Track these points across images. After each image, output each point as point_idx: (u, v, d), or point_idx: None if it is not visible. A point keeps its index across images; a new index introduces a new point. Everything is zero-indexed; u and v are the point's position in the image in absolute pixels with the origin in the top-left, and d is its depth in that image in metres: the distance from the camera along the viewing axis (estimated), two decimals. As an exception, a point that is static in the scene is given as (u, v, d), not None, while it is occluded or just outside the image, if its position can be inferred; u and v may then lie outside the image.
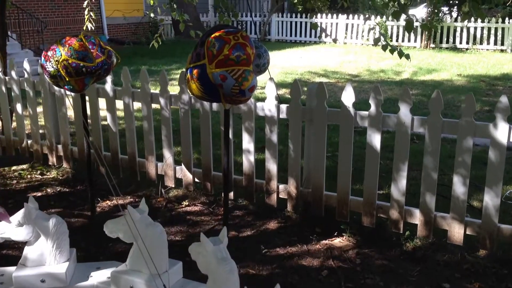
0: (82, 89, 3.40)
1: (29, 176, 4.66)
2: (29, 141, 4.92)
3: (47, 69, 3.27)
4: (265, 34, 18.50)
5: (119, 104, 4.40)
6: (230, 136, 3.75)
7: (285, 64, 12.15)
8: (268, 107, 3.73)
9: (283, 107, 3.71)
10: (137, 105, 4.31)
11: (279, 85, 9.29)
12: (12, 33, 11.74)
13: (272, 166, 3.83)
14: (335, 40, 5.42)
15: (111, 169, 4.57)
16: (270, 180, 3.87)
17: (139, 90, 4.19)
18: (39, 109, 4.91)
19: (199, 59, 2.89)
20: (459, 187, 3.18)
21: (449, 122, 3.17)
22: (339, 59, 12.71)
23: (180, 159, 4.30)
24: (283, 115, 3.73)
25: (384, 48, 4.50)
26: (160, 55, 13.53)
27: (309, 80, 9.97)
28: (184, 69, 3.29)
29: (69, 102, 4.37)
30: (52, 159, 4.85)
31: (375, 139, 3.41)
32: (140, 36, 17.21)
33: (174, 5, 6.76)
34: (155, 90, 4.22)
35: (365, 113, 3.44)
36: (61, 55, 3.22)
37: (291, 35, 18.09)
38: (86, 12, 7.18)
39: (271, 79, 3.70)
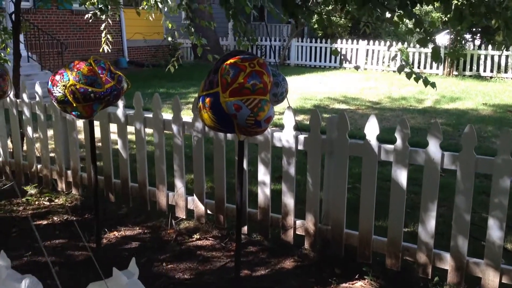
0: (90, 115, 3.23)
1: (36, 203, 4.49)
2: (39, 166, 4.77)
3: (54, 94, 3.11)
4: (285, 58, 18.42)
5: (131, 129, 4.23)
6: (245, 167, 3.54)
7: (304, 89, 11.97)
8: (286, 137, 3.51)
9: (302, 138, 3.49)
10: (149, 130, 4.14)
11: (298, 111, 9.08)
12: (33, 54, 11.81)
13: (289, 201, 3.59)
14: (357, 68, 5.24)
15: (121, 197, 4.38)
16: (287, 215, 3.63)
17: (152, 115, 4.02)
18: (50, 132, 4.77)
19: (212, 87, 2.70)
20: (495, 231, 2.89)
21: (483, 159, 2.91)
22: (360, 85, 12.49)
23: (192, 188, 4.08)
24: (301, 146, 3.50)
25: (408, 76, 4.27)
26: (178, 78, 13.48)
27: (328, 106, 9.76)
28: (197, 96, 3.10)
29: (79, 126, 4.21)
30: (61, 185, 4.68)
31: (401, 176, 3.15)
32: (159, 59, 17.27)
33: (192, 28, 6.66)
34: (171, 114, 4.03)
35: (390, 147, 3.19)
36: (68, 80, 3.06)
37: (310, 60, 17.97)
38: (103, 35, 7.10)
39: (289, 107, 3.49)
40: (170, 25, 7.17)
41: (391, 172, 3.22)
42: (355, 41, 17.07)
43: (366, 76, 14.76)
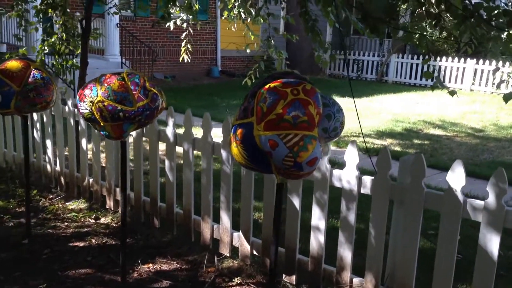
0: (119, 136, 2.85)
1: (82, 220, 4.24)
2: (91, 180, 4.54)
3: (81, 110, 2.76)
4: (382, 75, 17.41)
5: (180, 149, 3.82)
6: (298, 207, 2.96)
7: (398, 109, 11.03)
8: (347, 177, 2.88)
9: (367, 180, 2.83)
10: (198, 152, 3.71)
11: (386, 134, 8.26)
12: (126, 60, 12.08)
13: (346, 253, 2.95)
14: (452, 93, 4.37)
15: (166, 223, 3.99)
16: (342, 270, 2.98)
17: (201, 137, 3.58)
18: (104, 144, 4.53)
19: (246, 116, 2.17)
20: None
21: None
22: (462, 109, 11.27)
23: (239, 220, 3.56)
24: (365, 190, 2.85)
25: (506, 98, 3.44)
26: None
27: (422, 131, 8.79)
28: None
29: (131, 142, 3.88)
30: (110, 203, 4.40)
31: (492, 242, 2.40)
32: (256, 69, 17.06)
33: (272, 41, 6.20)
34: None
35: (479, 203, 2.45)
36: (97, 95, 2.70)
37: (410, 78, 16.79)
38: (183, 44, 6.87)
39: (353, 142, 2.86)
40: (252, 37, 6.78)
41: (479, 235, 2.47)
42: (462, 59, 15.65)
43: (472, 98, 13.38)
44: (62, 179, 4.79)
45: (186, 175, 3.73)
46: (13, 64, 3.39)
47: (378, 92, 13.79)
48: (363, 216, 4.19)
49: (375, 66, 17.63)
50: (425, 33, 4.69)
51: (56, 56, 5.34)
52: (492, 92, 14.89)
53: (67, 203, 4.61)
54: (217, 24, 15.91)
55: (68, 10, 5.21)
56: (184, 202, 3.80)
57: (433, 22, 3.90)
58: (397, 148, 7.32)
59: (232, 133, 2.22)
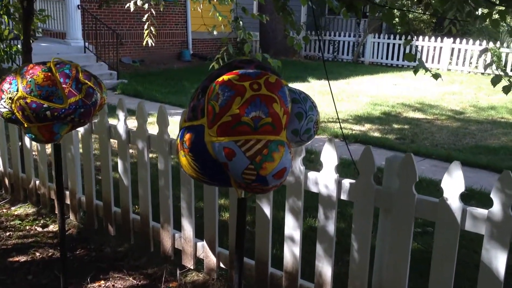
0: (50, 139, 2.35)
1: (27, 228, 3.74)
2: (37, 182, 4.02)
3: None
4: (359, 55, 17.02)
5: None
6: (269, 215, 2.52)
7: (376, 92, 10.66)
8: (325, 181, 2.45)
9: (346, 183, 2.41)
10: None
11: (364, 119, 7.88)
12: (90, 44, 11.39)
13: (325, 269, 2.53)
14: (436, 76, 3.96)
15: (122, 230, 3.52)
16: (322, 287, 2.58)
17: (156, 134, 3.10)
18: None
19: (195, 116, 1.71)
20: None
21: None
22: (441, 90, 10.97)
23: (203, 225, 3.11)
24: (345, 196, 2.43)
25: (494, 82, 3.07)
26: (240, 74, 12.64)
27: (401, 114, 8.44)
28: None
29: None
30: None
31: (497, 260, 2.01)
32: (224, 52, 16.48)
33: (241, 22, 5.69)
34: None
35: (483, 212, 2.05)
36: (17, 91, 2.19)
37: (387, 58, 16.44)
38: (145, 27, 6.30)
39: (330, 140, 2.42)
40: (220, 18, 6.26)
41: (481, 250, 2.08)
42: (439, 38, 15.36)
43: (450, 78, 13.10)
44: (7, 181, 4.26)
45: (142, 177, 3.25)
46: None
47: (355, 73, 13.42)
48: (344, 217, 3.80)
49: (351, 46, 17.22)
50: (406, 10, 4.26)
51: (-2, 42, 4.76)
52: (469, 72, 14.67)
53: (12, 208, 4.09)
54: (187, 5, 15.23)
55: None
56: (140, 207, 3.33)
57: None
58: (376, 134, 6.94)
59: (179, 139, 1.76)
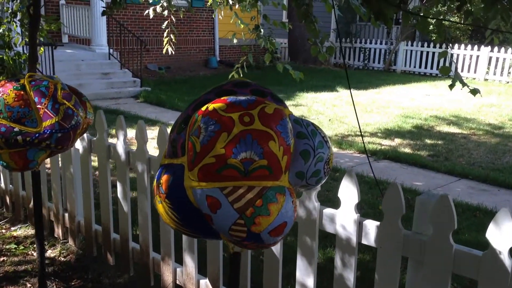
0: (24, 167, 2.04)
1: (23, 253, 3.46)
2: (37, 201, 3.75)
3: (-35, 132, 1.96)
4: (390, 63, 16.45)
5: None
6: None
7: (408, 103, 10.15)
8: (342, 221, 2.07)
9: (369, 225, 2.02)
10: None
11: (394, 133, 7.41)
12: (114, 51, 11.25)
13: (341, 324, 2.14)
14: (474, 92, 3.49)
15: (121, 259, 3.21)
16: None
17: (157, 156, 2.78)
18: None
19: (175, 153, 1.37)
20: None
21: None
22: (477, 102, 10.36)
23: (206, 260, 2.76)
24: (367, 240, 2.04)
25: None
26: (266, 81, 12.28)
27: (433, 128, 7.93)
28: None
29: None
30: (58, 231, 3.62)
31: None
32: (250, 58, 16.19)
33: (262, 30, 5.36)
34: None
35: (539, 275, 1.63)
36: (-16, 112, 1.89)
37: (420, 67, 15.82)
38: (165, 34, 6.02)
39: (349, 173, 2.03)
40: (242, 26, 5.95)
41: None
42: (475, 46, 14.68)
43: (487, 89, 12.44)
44: (8, 199, 4.01)
45: (142, 204, 2.93)
46: None
47: (386, 83, 12.90)
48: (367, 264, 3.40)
49: (382, 54, 16.67)
50: (443, 19, 3.82)
51: (6, 50, 4.54)
52: (508, 82, 13.95)
53: (12, 228, 3.84)
54: (214, 11, 15.01)
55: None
56: (140, 237, 3.01)
57: (456, 6, 3.06)
58: (407, 150, 6.47)
59: (155, 180, 1.41)
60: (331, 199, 4.42)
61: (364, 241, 2.04)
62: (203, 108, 1.31)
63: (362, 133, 7.18)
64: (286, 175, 1.33)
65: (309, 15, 4.08)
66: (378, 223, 2.00)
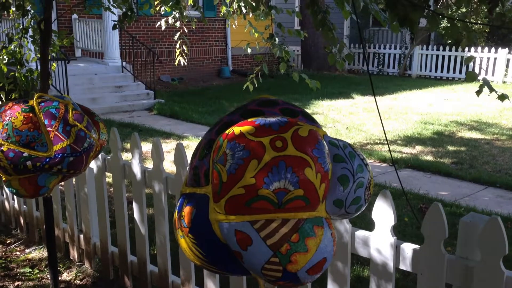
0: (35, 194, 1.92)
1: (38, 276, 3.34)
2: (51, 222, 3.63)
3: (-28, 158, 1.84)
4: (405, 68, 16.22)
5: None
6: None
7: (426, 108, 9.93)
8: (377, 244, 1.91)
9: (407, 249, 1.85)
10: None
11: (414, 140, 7.21)
12: (127, 63, 11.22)
13: None
14: (502, 98, 3.28)
15: (139, 283, 3.07)
16: None
17: (175, 176, 2.64)
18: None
19: (197, 182, 1.22)
20: None
21: None
22: (498, 105, 10.09)
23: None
24: (406, 265, 1.87)
25: None
26: (281, 90, 12.16)
27: (455, 134, 7.71)
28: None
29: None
30: (73, 253, 3.50)
31: None
32: (264, 68, 16.08)
33: (276, 39, 5.23)
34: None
35: None
36: (-8, 137, 1.77)
37: (436, 71, 15.56)
38: (177, 46, 5.92)
39: (384, 193, 1.87)
40: (256, 35, 5.83)
41: None
42: (493, 49, 14.39)
43: (506, 91, 12.11)
44: (22, 220, 3.91)
45: (159, 225, 2.79)
46: None
47: (402, 88, 12.68)
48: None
49: (397, 59, 16.45)
50: (474, 22, 3.65)
51: (18, 67, 4.46)
52: (528, 84, 13.63)
53: (27, 250, 3.72)
54: (226, 21, 14.94)
55: (30, 10, 4.32)
56: (158, 259, 2.87)
57: (488, 8, 2.88)
58: (429, 157, 6.27)
59: (176, 211, 1.27)
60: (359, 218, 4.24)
61: (402, 266, 1.88)
62: (228, 132, 1.16)
63: (382, 141, 6.99)
64: (323, 204, 1.18)
65: (327, 23, 3.94)
66: (417, 246, 1.83)
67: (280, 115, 1.25)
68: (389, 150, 5.32)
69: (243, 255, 1.13)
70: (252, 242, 1.10)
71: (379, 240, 1.90)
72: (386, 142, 7.06)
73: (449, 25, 3.05)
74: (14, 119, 1.77)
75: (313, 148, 1.13)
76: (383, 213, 1.86)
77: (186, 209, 1.21)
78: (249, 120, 1.18)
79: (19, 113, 1.78)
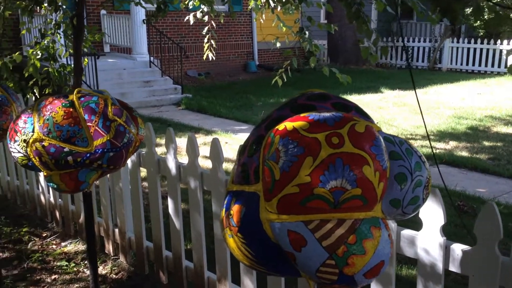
0: (76, 189, 1.91)
1: (74, 270, 3.36)
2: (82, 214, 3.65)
3: (13, 154, 1.84)
4: (435, 62, 15.88)
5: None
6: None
7: (458, 102, 9.69)
8: (425, 244, 1.83)
9: (458, 250, 1.77)
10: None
11: (448, 135, 7.03)
12: (155, 58, 11.27)
13: None
14: None
15: (174, 278, 3.06)
16: None
17: (210, 172, 2.61)
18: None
19: (246, 179, 1.17)
20: None
21: None
22: (533, 98, 9.80)
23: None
24: (455, 267, 1.79)
25: None
26: (307, 84, 12.04)
27: (490, 129, 7.49)
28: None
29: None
30: (108, 247, 3.51)
31: None
32: (294, 62, 15.97)
33: (306, 32, 5.14)
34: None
35: None
36: (32, 131, 1.76)
37: (467, 64, 15.18)
38: (206, 40, 5.89)
39: (435, 191, 1.79)
40: (284, 29, 5.76)
41: None
42: (526, 41, 13.97)
43: (542, 85, 11.80)
44: (57, 213, 3.94)
45: (195, 221, 2.76)
46: (-45, 81, 2.51)
47: (432, 82, 12.41)
48: None
49: (426, 52, 16.12)
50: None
51: (51, 62, 4.49)
52: None
53: (62, 244, 3.76)
54: (252, 15, 14.88)
55: (62, 5, 4.34)
56: (194, 256, 2.84)
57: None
58: (464, 153, 6.11)
59: (224, 209, 1.23)
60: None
61: (451, 268, 1.80)
62: (280, 127, 1.11)
63: (414, 136, 6.84)
64: (379, 204, 1.12)
65: (361, 15, 3.84)
66: (467, 247, 1.75)
67: (333, 110, 1.19)
68: (431, 146, 5.20)
69: (297, 256, 1.08)
70: (306, 243, 1.05)
71: (427, 240, 1.82)
72: (415, 137, 6.91)
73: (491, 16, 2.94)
74: (54, 114, 1.75)
75: (371, 145, 1.07)
76: (432, 212, 1.79)
77: (235, 208, 1.17)
78: (301, 115, 1.12)
79: (59, 108, 1.76)
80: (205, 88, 11.87)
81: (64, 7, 4.55)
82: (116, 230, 3.40)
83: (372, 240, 1.06)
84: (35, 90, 4.55)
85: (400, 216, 1.23)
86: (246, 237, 1.15)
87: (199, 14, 5.37)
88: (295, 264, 1.11)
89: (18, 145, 1.79)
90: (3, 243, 3.74)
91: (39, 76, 4.43)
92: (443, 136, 7.00)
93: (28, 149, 1.77)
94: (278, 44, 5.53)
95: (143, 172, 3.24)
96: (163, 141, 4.13)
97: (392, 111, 8.96)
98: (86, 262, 3.45)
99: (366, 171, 1.04)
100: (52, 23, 4.42)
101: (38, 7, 4.35)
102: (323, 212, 1.04)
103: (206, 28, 5.94)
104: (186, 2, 5.27)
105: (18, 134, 1.79)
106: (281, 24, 5.72)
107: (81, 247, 3.67)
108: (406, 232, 1.90)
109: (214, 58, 6.16)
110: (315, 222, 1.04)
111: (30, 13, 4.11)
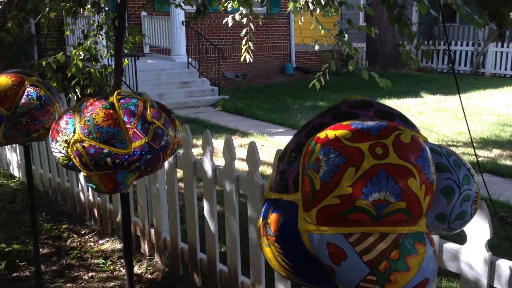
0: (114, 190, 1.92)
1: (111, 268, 3.41)
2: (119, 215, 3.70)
3: (54, 154, 1.87)
4: (478, 66, 15.43)
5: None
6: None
7: (502, 109, 9.37)
8: (468, 258, 1.76)
9: (504, 267, 1.69)
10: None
11: (491, 142, 6.80)
12: (193, 60, 11.38)
13: None
14: None
15: (208, 281, 3.06)
16: None
17: (246, 175, 2.59)
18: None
19: (284, 187, 1.15)
20: None
21: None
22: None
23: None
24: (502, 284, 1.71)
25: None
26: (345, 88, 11.92)
27: (538, 137, 7.21)
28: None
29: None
30: (144, 246, 3.55)
31: None
32: (333, 65, 15.82)
33: (346, 35, 5.07)
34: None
35: None
36: (74, 132, 1.79)
37: (511, 69, 14.70)
38: (243, 42, 5.89)
39: (480, 204, 1.72)
40: (323, 31, 5.70)
41: None
42: None
43: None
44: (95, 211, 4.02)
45: (230, 225, 2.75)
46: (1, 80, 2.59)
47: (475, 87, 12.06)
48: None
49: (469, 56, 15.68)
50: None
51: (93, 63, 4.58)
52: None
53: (100, 241, 3.82)
54: (290, 18, 14.83)
55: (104, 7, 4.42)
56: (228, 259, 2.83)
57: None
58: (509, 162, 5.89)
59: (261, 217, 1.20)
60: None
61: (496, 285, 1.72)
62: (321, 135, 1.08)
63: (456, 143, 6.65)
64: (424, 219, 1.07)
65: (403, 18, 3.76)
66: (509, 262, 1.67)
67: (376, 118, 1.15)
68: (475, 154, 5.04)
69: (336, 270, 1.04)
70: (346, 257, 1.01)
71: (472, 254, 1.75)
72: (456, 144, 6.72)
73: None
74: (95, 116, 1.77)
75: (417, 156, 1.02)
76: (477, 225, 1.71)
77: (273, 217, 1.14)
78: (344, 123, 1.09)
79: (100, 109, 1.78)
80: (242, 90, 11.90)
81: (107, 8, 4.64)
82: (152, 230, 3.43)
83: (416, 256, 1.01)
84: (77, 90, 4.65)
85: (446, 231, 1.18)
86: (283, 247, 1.13)
87: (237, 16, 5.38)
88: (333, 278, 1.07)
89: (60, 145, 1.82)
90: (44, 239, 3.83)
91: (81, 76, 4.53)
92: (486, 143, 6.78)
93: (69, 150, 1.80)
94: (316, 47, 5.48)
95: (180, 173, 3.26)
96: (199, 142, 4.16)
97: (433, 116, 8.75)
98: (122, 260, 3.49)
99: (411, 184, 0.99)
100: (95, 24, 4.51)
101: (81, 9, 4.46)
102: (365, 225, 1.00)
103: (244, 30, 5.95)
104: (225, 4, 5.29)
105: (60, 134, 1.82)
106: (320, 27, 5.66)
107: (117, 245, 3.72)
108: (449, 246, 1.83)
109: (251, 60, 6.16)
110: (356, 235, 1.00)
111: (74, 15, 4.21)
